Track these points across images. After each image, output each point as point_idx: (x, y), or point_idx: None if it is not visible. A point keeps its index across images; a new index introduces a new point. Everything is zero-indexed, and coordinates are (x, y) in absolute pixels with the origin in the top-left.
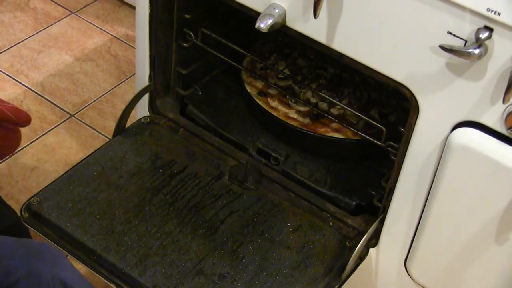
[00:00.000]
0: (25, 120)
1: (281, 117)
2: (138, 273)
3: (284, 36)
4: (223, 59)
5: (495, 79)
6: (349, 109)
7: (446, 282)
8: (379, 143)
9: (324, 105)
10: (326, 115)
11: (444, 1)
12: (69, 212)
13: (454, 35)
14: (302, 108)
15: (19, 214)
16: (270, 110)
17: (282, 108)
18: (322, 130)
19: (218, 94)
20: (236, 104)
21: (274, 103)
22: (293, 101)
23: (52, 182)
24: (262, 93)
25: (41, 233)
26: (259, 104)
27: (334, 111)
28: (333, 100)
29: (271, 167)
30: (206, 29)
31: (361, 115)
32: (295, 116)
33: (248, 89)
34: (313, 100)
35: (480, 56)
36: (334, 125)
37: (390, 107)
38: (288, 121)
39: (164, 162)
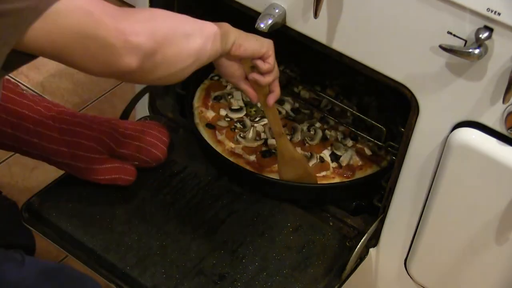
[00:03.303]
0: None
1: (225, 152)
2: (138, 273)
3: None
4: None
5: (495, 79)
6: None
7: (446, 282)
8: (379, 143)
9: (273, 141)
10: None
11: (444, 1)
12: (69, 212)
13: (454, 35)
14: (249, 144)
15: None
16: (215, 144)
17: (228, 143)
18: (267, 169)
19: None
20: None
21: (221, 137)
22: (241, 136)
23: (52, 182)
24: (210, 126)
25: (41, 233)
26: (202, 137)
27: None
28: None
29: None
30: None
31: (362, 116)
32: (241, 152)
33: (197, 119)
34: (263, 136)
35: (480, 56)
36: None
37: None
38: (232, 157)
39: (164, 162)
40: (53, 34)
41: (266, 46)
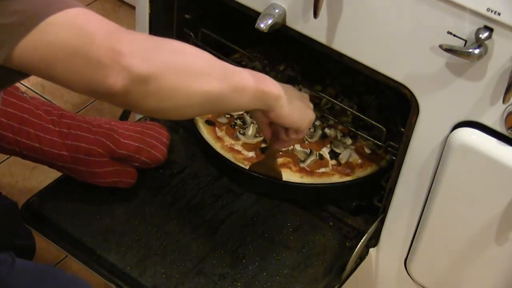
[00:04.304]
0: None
1: (224, 148)
2: (138, 273)
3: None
4: (224, 59)
5: (495, 79)
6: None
7: (446, 282)
8: (379, 143)
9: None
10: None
11: (444, 1)
12: (69, 212)
13: (454, 35)
14: (248, 141)
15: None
16: (214, 140)
17: (228, 139)
18: None
19: None
20: None
21: (221, 133)
22: (241, 132)
23: (52, 182)
24: (210, 122)
25: (41, 233)
26: (200, 134)
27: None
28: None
29: None
30: (206, 29)
31: (362, 115)
32: (240, 148)
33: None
34: None
35: (480, 56)
36: (280, 160)
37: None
38: (231, 153)
39: (164, 162)
40: (40, 51)
41: (306, 125)
